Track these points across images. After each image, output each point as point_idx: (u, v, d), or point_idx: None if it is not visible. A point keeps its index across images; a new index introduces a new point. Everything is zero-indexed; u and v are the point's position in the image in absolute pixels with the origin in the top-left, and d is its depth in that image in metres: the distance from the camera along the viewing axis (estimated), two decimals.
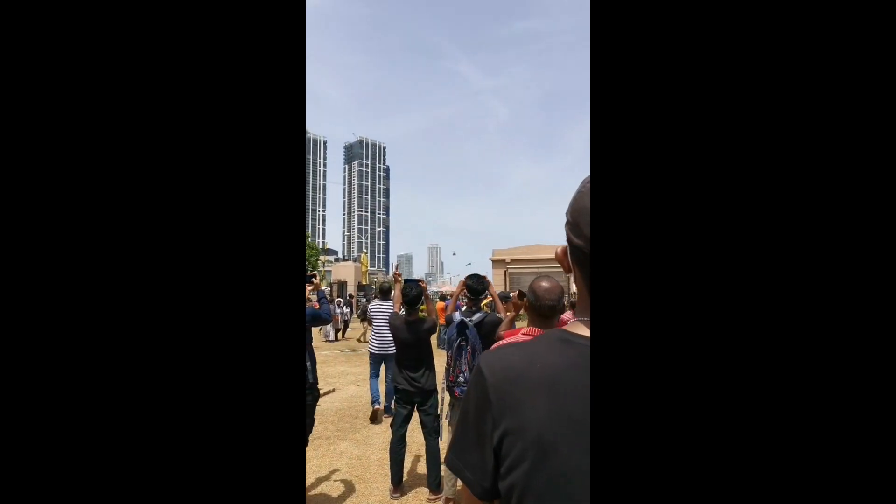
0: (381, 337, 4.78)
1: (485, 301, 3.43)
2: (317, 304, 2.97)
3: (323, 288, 3.04)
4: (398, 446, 3.07)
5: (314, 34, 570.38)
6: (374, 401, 4.96)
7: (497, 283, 27.08)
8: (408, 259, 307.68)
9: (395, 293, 3.48)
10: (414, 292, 3.08)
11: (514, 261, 26.58)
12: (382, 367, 4.90)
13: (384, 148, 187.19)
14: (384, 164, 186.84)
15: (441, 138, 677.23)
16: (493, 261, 27.34)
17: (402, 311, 3.24)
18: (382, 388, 5.07)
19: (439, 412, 3.12)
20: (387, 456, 3.19)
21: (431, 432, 3.04)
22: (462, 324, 2.86)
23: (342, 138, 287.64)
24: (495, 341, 3.01)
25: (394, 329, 3.19)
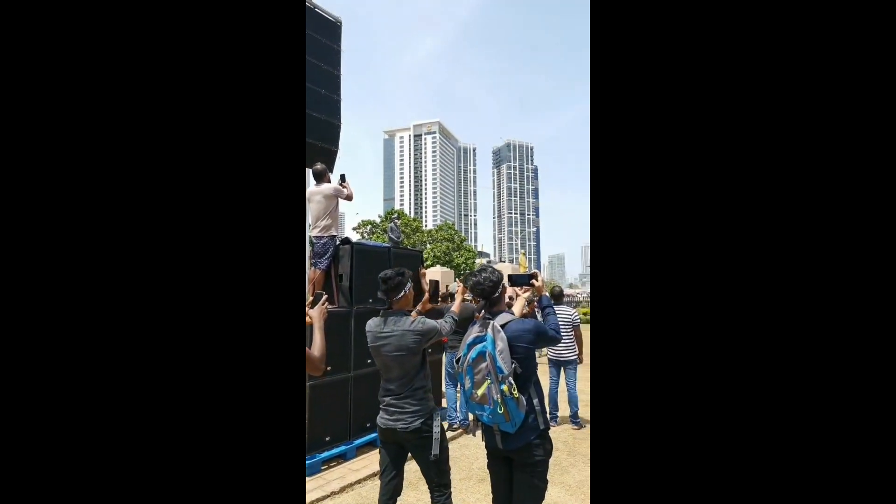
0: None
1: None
2: (539, 314, 2.18)
3: (546, 293, 2.24)
4: None
5: (463, 47, 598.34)
6: (552, 416, 4.70)
7: None
8: (559, 259, 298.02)
9: None
10: None
11: None
12: (562, 375, 4.86)
13: (531, 148, 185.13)
14: (532, 164, 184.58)
15: None
16: None
17: None
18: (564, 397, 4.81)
19: None
20: None
21: None
22: None
23: (490, 143, 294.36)
24: None
25: None
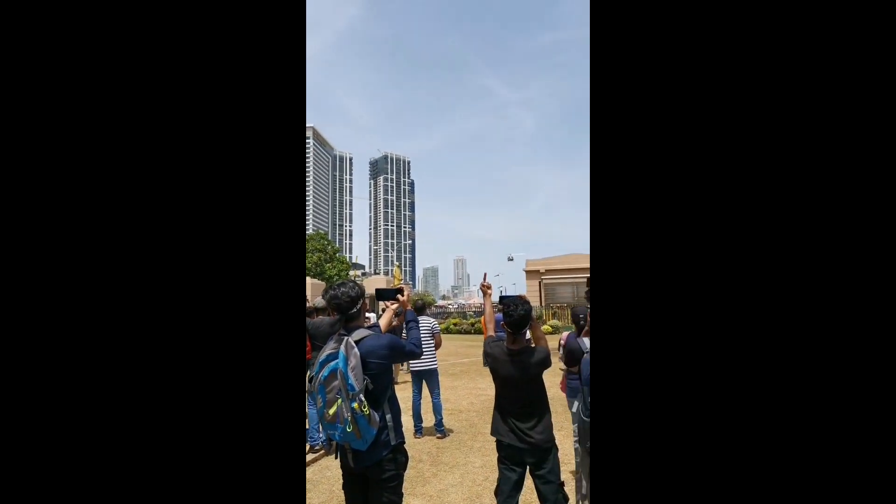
0: None
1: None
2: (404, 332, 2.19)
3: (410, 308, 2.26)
4: None
5: (341, 54, 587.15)
6: (417, 428, 4.81)
7: (532, 296, 25.84)
8: (434, 272, 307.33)
9: (487, 311, 2.69)
10: (520, 311, 2.25)
11: (548, 271, 25.30)
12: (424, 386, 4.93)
13: (409, 162, 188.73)
14: (409, 178, 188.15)
15: (467, 151, 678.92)
16: (527, 271, 26.12)
17: (496, 336, 2.44)
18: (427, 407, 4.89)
19: (563, 478, 2.27)
20: None
21: None
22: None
23: (367, 154, 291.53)
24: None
25: (491, 360, 2.38)
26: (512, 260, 29.37)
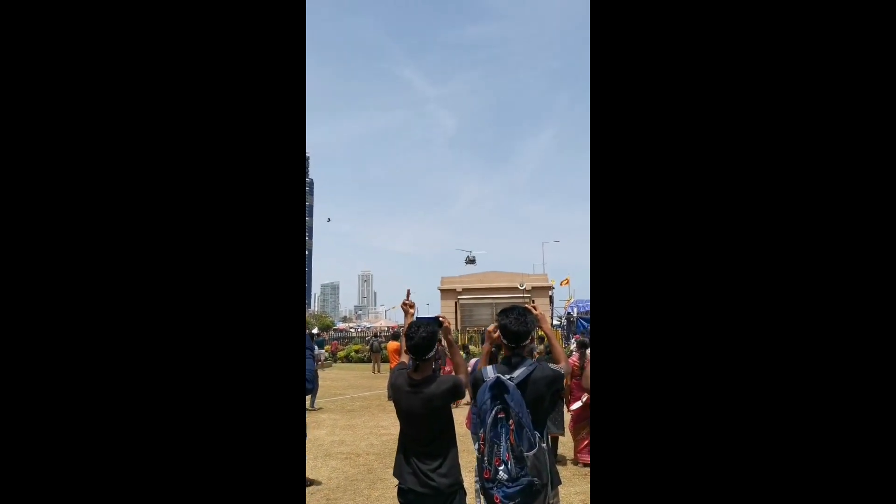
0: None
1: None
2: None
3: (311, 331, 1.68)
4: None
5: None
6: None
7: (447, 317, 25.00)
8: (334, 289, 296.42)
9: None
10: (422, 333, 1.85)
11: (465, 290, 23.90)
12: None
13: (307, 158, 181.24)
14: (307, 176, 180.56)
15: (379, 150, 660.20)
16: (442, 290, 24.57)
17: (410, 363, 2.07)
18: None
19: None
20: None
21: None
22: (498, 384, 1.70)
23: None
24: (550, 407, 1.97)
25: (393, 392, 2.01)
26: (473, 262, 28.14)
